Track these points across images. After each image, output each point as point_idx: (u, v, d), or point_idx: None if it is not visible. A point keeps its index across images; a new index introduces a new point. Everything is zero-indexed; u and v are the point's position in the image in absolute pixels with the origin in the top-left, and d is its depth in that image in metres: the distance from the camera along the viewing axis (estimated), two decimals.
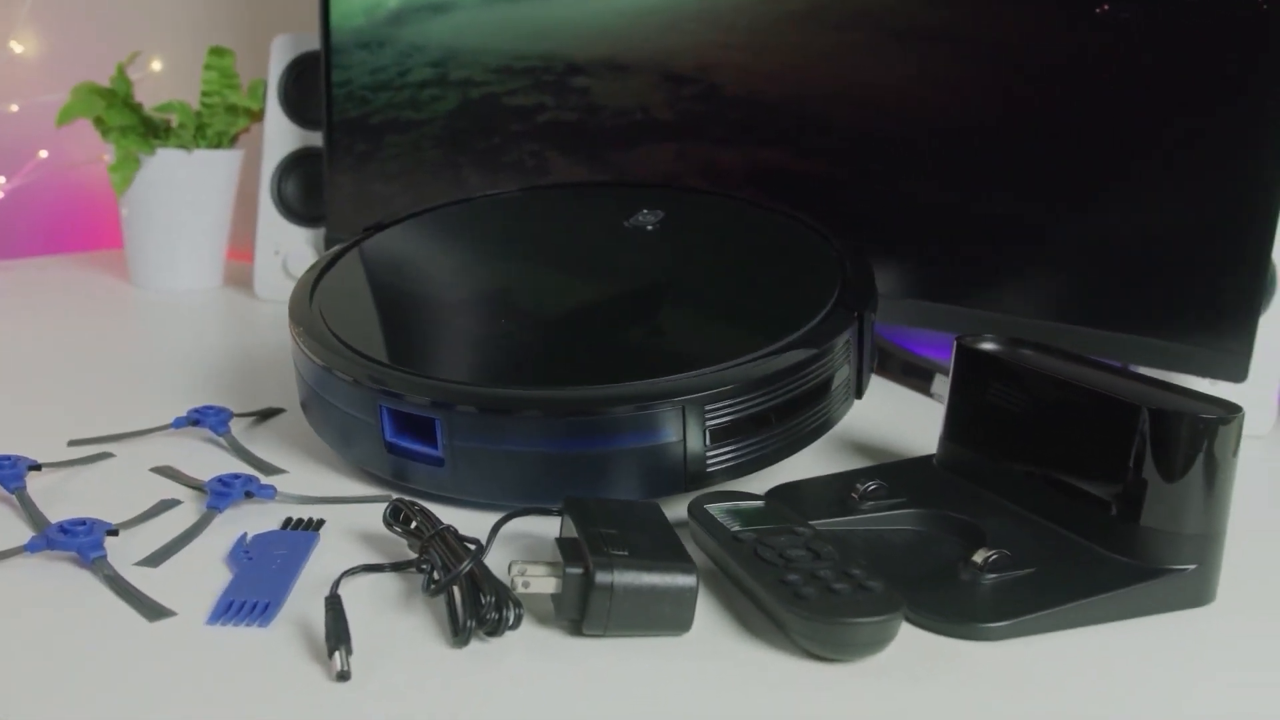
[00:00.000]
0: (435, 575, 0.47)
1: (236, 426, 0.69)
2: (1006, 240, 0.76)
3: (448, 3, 0.96)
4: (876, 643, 0.44)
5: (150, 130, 1.12)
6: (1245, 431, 0.61)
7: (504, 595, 0.44)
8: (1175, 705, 0.43)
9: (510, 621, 0.44)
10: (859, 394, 0.65)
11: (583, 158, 0.92)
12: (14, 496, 0.56)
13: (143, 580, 0.48)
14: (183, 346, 0.91)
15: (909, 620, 0.47)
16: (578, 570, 0.44)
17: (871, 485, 0.57)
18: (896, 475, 0.59)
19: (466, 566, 0.45)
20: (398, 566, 0.50)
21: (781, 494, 0.59)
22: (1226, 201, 0.68)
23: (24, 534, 0.53)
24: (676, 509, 0.54)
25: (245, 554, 0.51)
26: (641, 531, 0.47)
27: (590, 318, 0.63)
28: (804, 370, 0.58)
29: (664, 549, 0.46)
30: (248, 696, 0.40)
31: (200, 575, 0.49)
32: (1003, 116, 0.74)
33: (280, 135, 1.12)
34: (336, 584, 0.46)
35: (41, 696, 0.39)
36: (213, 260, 1.17)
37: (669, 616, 0.45)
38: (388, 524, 0.52)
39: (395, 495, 0.56)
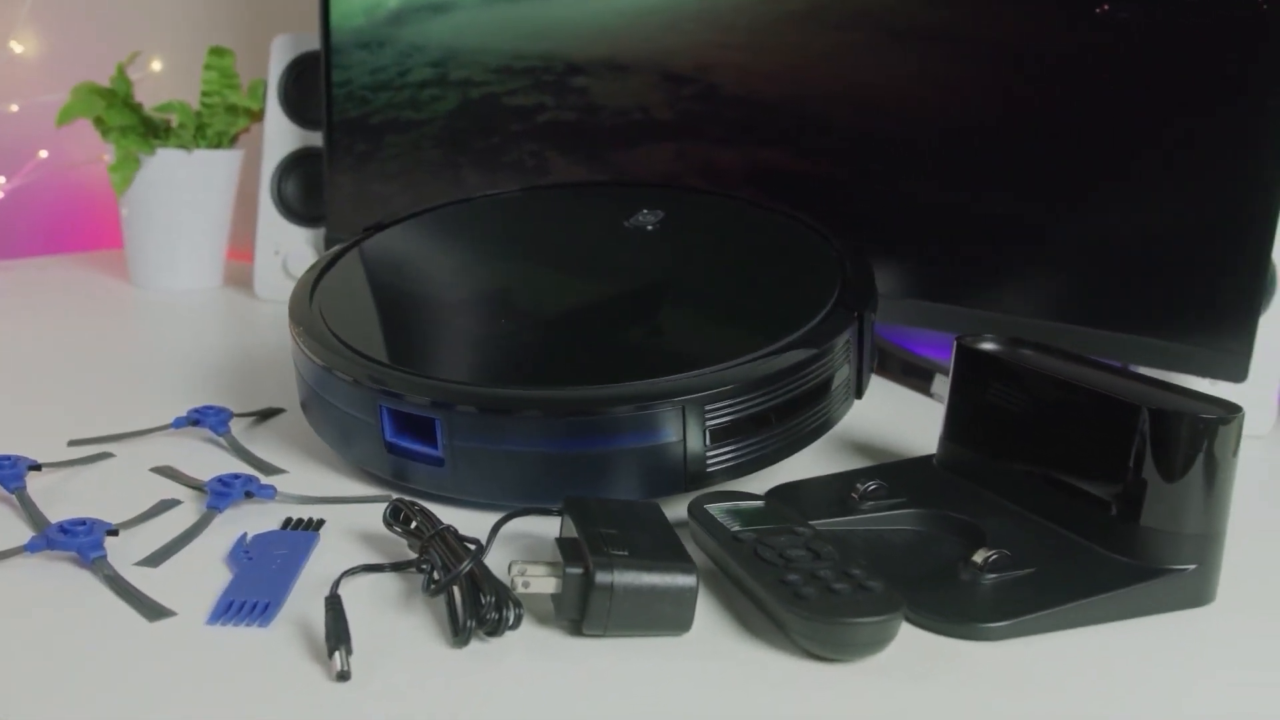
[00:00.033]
0: (435, 575, 0.47)
1: (236, 426, 0.69)
2: (1006, 240, 0.76)
3: (447, 3, 0.96)
4: (876, 643, 0.44)
5: (150, 130, 1.12)
6: (1245, 431, 0.61)
7: (504, 595, 0.44)
8: (1175, 705, 0.43)
9: (510, 621, 0.44)
10: (859, 394, 0.65)
11: (582, 157, 0.92)
12: (14, 496, 0.56)
13: (143, 580, 0.48)
14: (183, 346, 0.91)
15: (909, 620, 0.47)
16: (578, 570, 0.44)
17: (871, 485, 0.57)
18: (896, 475, 0.59)
19: (467, 566, 0.45)
20: (398, 566, 0.50)
21: (781, 494, 0.59)
22: (1226, 201, 0.68)
23: (24, 534, 0.53)
24: (676, 509, 0.54)
25: (245, 554, 0.51)
26: (642, 531, 0.47)
27: (590, 318, 0.63)
28: (804, 370, 0.58)
29: (664, 549, 0.46)
30: (248, 696, 0.40)
31: (200, 575, 0.49)
32: (1003, 116, 0.74)
33: (280, 135, 1.12)
34: (337, 584, 0.46)
35: (42, 696, 0.39)
36: (213, 260, 1.17)
37: (669, 616, 0.45)
38: (388, 524, 0.52)
39: (395, 495, 0.56)
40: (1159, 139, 0.69)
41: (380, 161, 1.02)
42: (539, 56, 0.92)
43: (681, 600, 0.45)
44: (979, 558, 0.50)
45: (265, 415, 0.72)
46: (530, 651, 0.44)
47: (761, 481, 0.60)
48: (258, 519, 0.55)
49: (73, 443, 0.66)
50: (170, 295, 1.13)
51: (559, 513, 0.51)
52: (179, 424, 0.67)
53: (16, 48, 1.36)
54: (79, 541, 0.49)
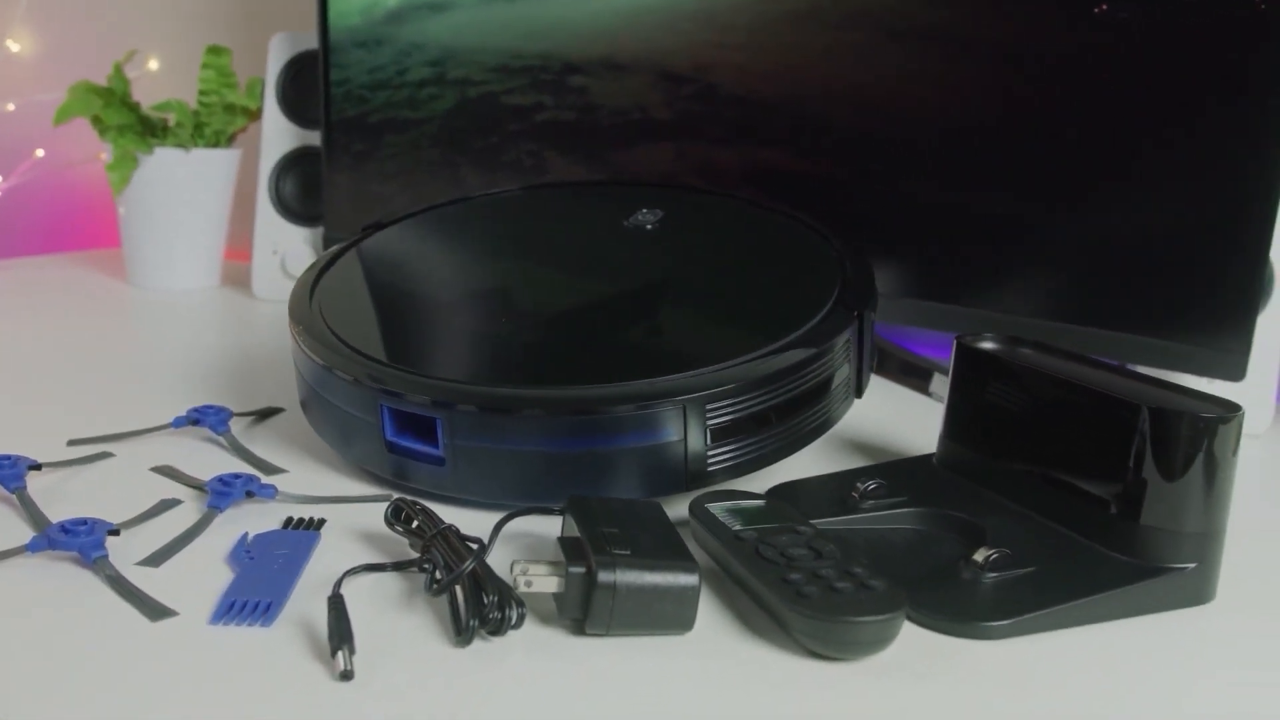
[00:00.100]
0: (437, 575, 0.47)
1: (236, 426, 0.69)
2: (1006, 240, 0.76)
3: (446, 2, 0.96)
4: (879, 641, 0.44)
5: (148, 129, 1.12)
6: (1244, 430, 0.61)
7: (506, 594, 0.44)
8: (1176, 703, 0.43)
9: (513, 621, 0.44)
10: (859, 393, 0.65)
11: (581, 157, 0.92)
12: (14, 496, 0.56)
13: (144, 580, 0.48)
14: (181, 346, 0.91)
15: (911, 619, 0.47)
16: (580, 569, 0.44)
17: (872, 484, 0.57)
18: (897, 474, 0.60)
19: (469, 566, 0.45)
20: (399, 566, 0.50)
21: (782, 493, 0.59)
22: (1224, 201, 0.68)
23: (25, 534, 0.52)
24: (677, 508, 0.54)
25: (247, 554, 0.51)
26: (643, 531, 0.48)
27: (591, 317, 0.63)
28: (804, 369, 0.58)
29: (666, 548, 0.47)
30: (250, 696, 0.40)
31: (202, 575, 0.49)
32: (1002, 116, 0.74)
33: (278, 134, 1.12)
34: (339, 583, 0.46)
35: (43, 696, 0.39)
36: (210, 260, 1.17)
37: (671, 615, 0.45)
38: (389, 523, 0.52)
39: (396, 495, 0.56)
40: (1158, 139, 0.69)
41: (378, 161, 1.02)
42: (537, 56, 0.92)
43: (684, 599, 0.45)
44: (980, 556, 0.50)
45: (265, 415, 0.72)
46: (533, 651, 0.44)
47: (761, 481, 0.61)
48: (258, 518, 0.55)
49: (72, 442, 0.66)
50: (168, 295, 1.13)
51: (560, 512, 0.51)
52: (179, 423, 0.67)
53: (13, 46, 1.36)
54: (80, 541, 0.49)
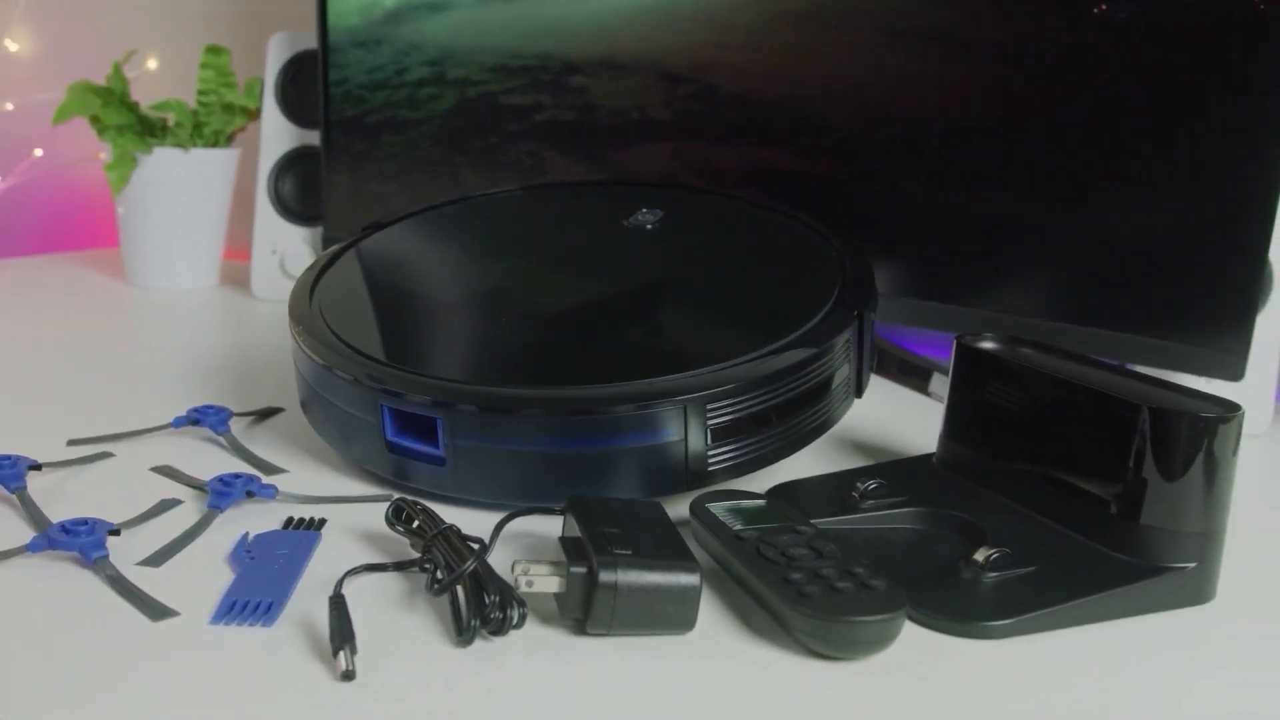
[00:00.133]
0: (439, 575, 0.47)
1: (236, 426, 0.69)
2: (1006, 240, 0.76)
3: (444, 2, 0.96)
4: (880, 641, 0.44)
5: (147, 129, 1.12)
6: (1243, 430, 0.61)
7: (508, 594, 0.44)
8: (1176, 703, 0.43)
9: (514, 621, 0.44)
10: (859, 393, 0.65)
11: (580, 157, 0.92)
12: (14, 496, 0.56)
13: (145, 580, 0.48)
14: (181, 346, 0.91)
15: (911, 619, 0.47)
16: (581, 569, 0.44)
17: (872, 484, 0.57)
18: (897, 474, 0.60)
19: (470, 565, 0.45)
20: (400, 566, 0.50)
21: (782, 493, 0.59)
22: (1224, 201, 0.68)
23: (25, 534, 0.52)
24: (677, 508, 0.54)
25: (247, 554, 0.51)
26: (644, 530, 0.48)
27: (591, 317, 0.63)
28: (804, 369, 0.58)
29: (667, 548, 0.47)
30: (252, 696, 0.40)
31: (202, 575, 0.49)
32: (1002, 116, 0.74)
33: (277, 134, 1.12)
34: (340, 583, 0.46)
35: (44, 696, 0.39)
36: (209, 259, 1.17)
37: (673, 615, 0.45)
38: (390, 523, 0.52)
39: (397, 495, 0.56)
40: (1157, 139, 0.69)
41: (377, 160, 1.02)
42: (536, 56, 0.92)
43: (685, 599, 0.45)
44: (980, 556, 0.50)
45: (264, 415, 0.72)
46: (534, 651, 0.44)
47: (762, 481, 0.61)
48: (259, 518, 0.55)
49: (72, 442, 0.65)
50: (167, 294, 1.13)
51: (561, 512, 0.51)
52: (179, 423, 0.67)
53: (11, 46, 1.36)
54: (81, 541, 0.49)
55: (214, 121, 1.12)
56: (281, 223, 1.12)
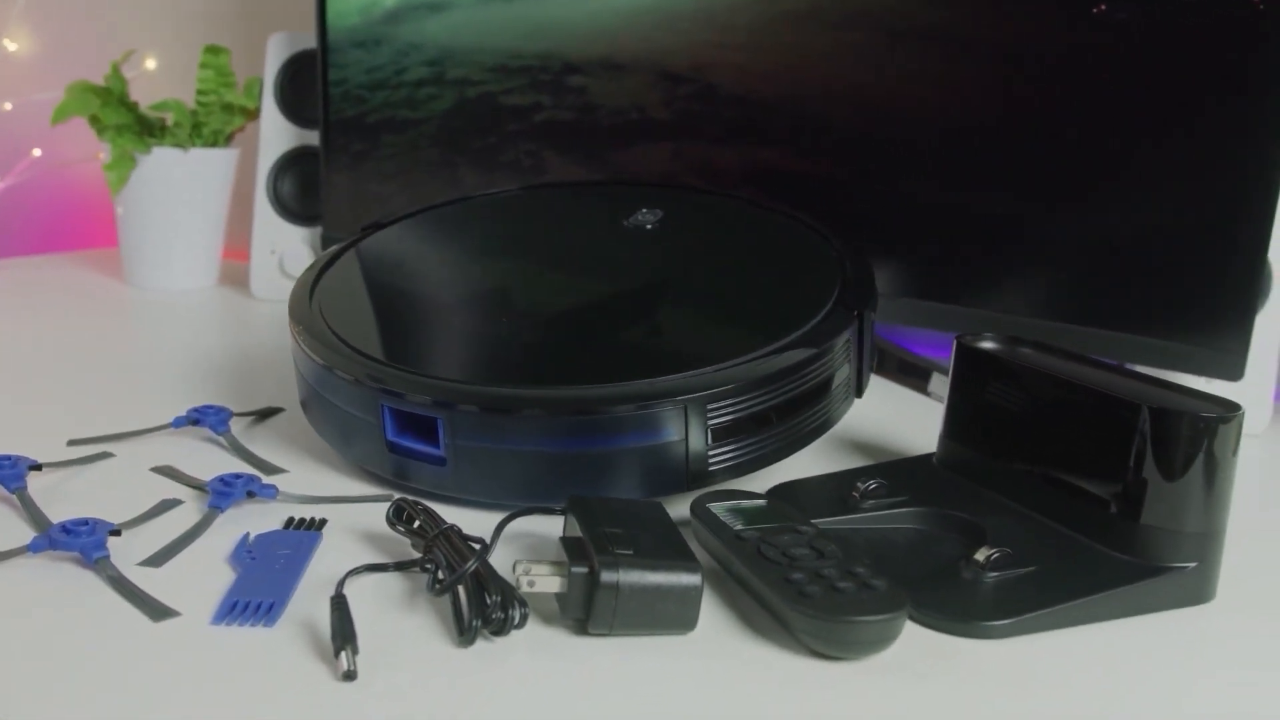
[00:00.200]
0: (440, 575, 0.47)
1: (236, 426, 0.69)
2: (1006, 240, 0.76)
3: (444, 2, 0.96)
4: (881, 641, 0.44)
5: (146, 129, 1.12)
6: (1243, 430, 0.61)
7: (509, 594, 0.44)
8: (1176, 703, 0.43)
9: (516, 621, 0.44)
10: (859, 393, 0.65)
11: (579, 157, 0.92)
12: (15, 496, 0.56)
13: (146, 580, 0.48)
14: (180, 346, 0.91)
15: (912, 619, 0.47)
16: (583, 569, 0.44)
17: (872, 484, 0.57)
18: (897, 474, 0.60)
19: (472, 565, 0.45)
20: (402, 566, 0.50)
21: (782, 493, 0.59)
22: (1223, 201, 0.68)
23: (25, 534, 0.52)
24: (678, 508, 0.54)
25: (248, 554, 0.51)
26: (645, 530, 0.48)
27: (591, 317, 0.63)
28: (804, 369, 0.58)
29: (668, 548, 0.47)
30: (253, 697, 0.40)
31: (203, 575, 0.49)
32: (1002, 116, 0.74)
33: (276, 134, 1.12)
34: (341, 583, 0.46)
35: (44, 697, 0.39)
36: (208, 259, 1.17)
37: (674, 615, 0.45)
38: (391, 524, 0.52)
39: (397, 495, 0.56)
40: (1157, 139, 0.70)
41: (377, 160, 1.02)
42: (536, 56, 0.92)
43: (686, 599, 0.45)
44: (981, 556, 0.50)
45: (264, 415, 0.72)
46: (535, 651, 0.44)
47: (762, 481, 0.61)
48: (260, 519, 0.55)
49: (72, 442, 0.65)
50: (166, 295, 1.13)
51: (562, 512, 0.51)
52: (179, 423, 0.67)
53: (10, 45, 1.36)
54: (82, 541, 0.49)
55: (213, 121, 1.12)
56: (280, 223, 1.12)
